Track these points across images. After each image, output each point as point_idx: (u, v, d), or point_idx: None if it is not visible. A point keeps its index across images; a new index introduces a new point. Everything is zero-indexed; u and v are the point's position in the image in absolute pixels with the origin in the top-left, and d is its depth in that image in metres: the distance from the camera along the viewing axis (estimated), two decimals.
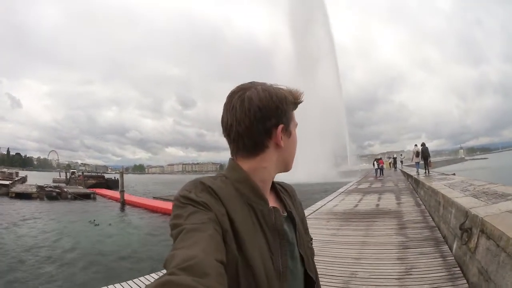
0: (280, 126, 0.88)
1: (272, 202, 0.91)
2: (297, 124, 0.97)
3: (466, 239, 4.38)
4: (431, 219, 7.78)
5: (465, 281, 4.01)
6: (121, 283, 5.49)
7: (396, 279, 4.32)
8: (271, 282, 0.76)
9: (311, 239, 1.11)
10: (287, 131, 0.92)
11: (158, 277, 0.55)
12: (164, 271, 0.58)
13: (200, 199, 0.74)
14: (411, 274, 4.42)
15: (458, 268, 4.42)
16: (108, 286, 5.44)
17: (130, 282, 5.52)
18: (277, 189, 1.00)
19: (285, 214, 0.92)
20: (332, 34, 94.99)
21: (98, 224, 17.90)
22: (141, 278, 5.71)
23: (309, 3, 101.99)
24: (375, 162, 29.01)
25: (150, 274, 5.93)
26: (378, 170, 27.81)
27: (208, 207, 0.73)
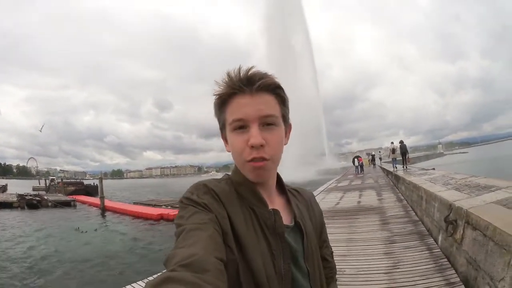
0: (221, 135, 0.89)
1: (278, 207, 0.87)
2: (239, 119, 0.78)
3: (452, 231, 4.46)
4: (413, 213, 7.91)
5: (453, 271, 4.09)
6: None
7: (384, 273, 4.35)
8: (272, 286, 0.74)
9: (332, 252, 1.12)
10: (223, 136, 0.88)
11: (159, 274, 0.57)
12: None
13: (201, 200, 0.75)
14: (398, 268, 4.46)
15: (446, 259, 4.50)
16: None
17: (129, 286, 5.43)
18: (289, 195, 0.95)
19: (293, 223, 0.88)
20: (309, 34, 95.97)
21: (86, 231, 17.77)
22: (140, 282, 5.59)
23: (286, 3, 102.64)
24: (355, 159, 29.44)
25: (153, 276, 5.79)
26: (358, 167, 28.21)
27: (209, 208, 0.74)
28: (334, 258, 1.14)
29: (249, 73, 0.78)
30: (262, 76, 0.78)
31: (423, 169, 16.37)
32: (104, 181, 30.02)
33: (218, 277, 0.57)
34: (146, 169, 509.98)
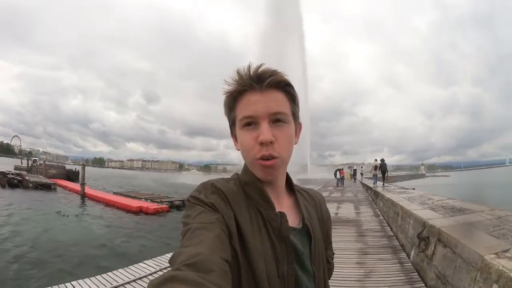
0: (230, 133, 0.88)
1: (286, 209, 0.86)
2: (248, 116, 0.78)
3: (424, 247, 4.64)
4: (389, 229, 8.10)
5: (423, 284, 4.30)
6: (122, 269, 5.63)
7: (356, 281, 4.52)
8: None
9: (333, 253, 1.08)
10: (233, 134, 0.87)
11: (163, 273, 0.55)
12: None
13: (208, 200, 0.74)
14: (370, 277, 4.62)
15: (416, 273, 4.69)
16: (109, 273, 5.57)
17: (136, 265, 5.68)
18: (297, 196, 0.93)
19: (300, 225, 0.86)
20: (304, 46, 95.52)
21: (68, 216, 17.68)
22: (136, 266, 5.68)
23: (286, 13, 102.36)
24: (337, 172, 29.64)
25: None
26: (340, 179, 28.44)
27: (216, 209, 0.73)
28: None
29: (259, 70, 0.78)
30: (272, 73, 0.78)
31: (402, 188, 16.70)
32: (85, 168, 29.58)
33: (222, 278, 0.57)
34: (128, 160, 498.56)
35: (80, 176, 29.55)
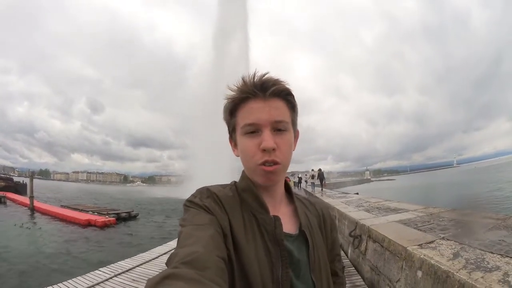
0: (228, 138, 0.84)
1: (283, 216, 0.81)
2: (251, 123, 0.74)
3: (357, 244, 4.89)
4: None
5: (359, 276, 4.52)
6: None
7: None
8: None
9: (343, 267, 1.00)
10: (233, 140, 0.82)
11: (161, 271, 0.53)
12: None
13: (203, 203, 0.72)
14: None
15: (353, 268, 4.92)
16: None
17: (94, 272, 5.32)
18: (297, 204, 0.88)
19: (297, 232, 0.81)
20: (249, 55, 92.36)
21: (30, 228, 16.42)
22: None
23: (233, 22, 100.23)
24: None
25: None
26: None
27: (210, 211, 0.71)
28: None
29: (263, 78, 0.74)
30: (275, 82, 0.75)
31: (344, 193, 17.46)
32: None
33: (218, 274, 0.55)
34: (73, 172, 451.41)
35: (28, 189, 26.63)
